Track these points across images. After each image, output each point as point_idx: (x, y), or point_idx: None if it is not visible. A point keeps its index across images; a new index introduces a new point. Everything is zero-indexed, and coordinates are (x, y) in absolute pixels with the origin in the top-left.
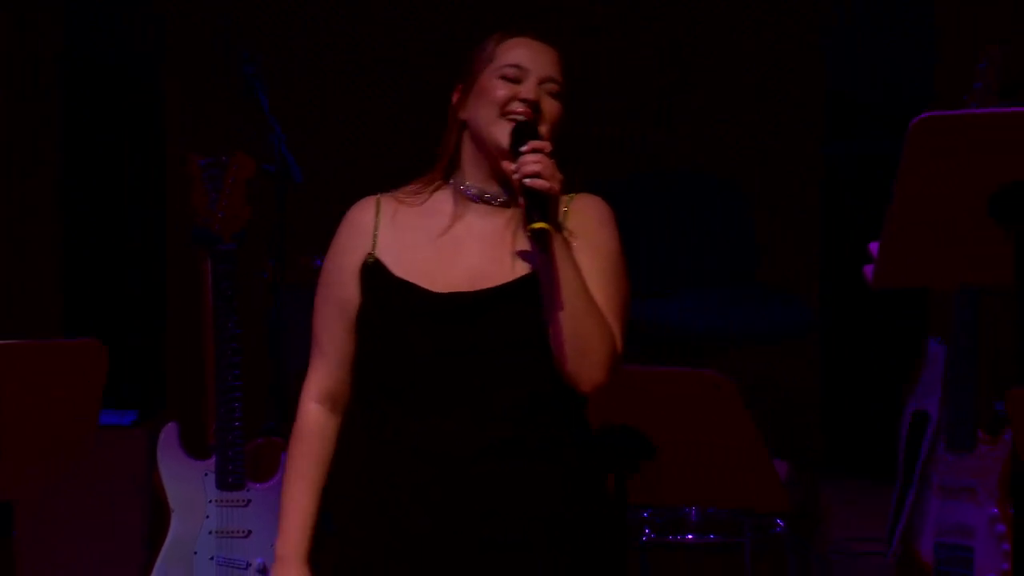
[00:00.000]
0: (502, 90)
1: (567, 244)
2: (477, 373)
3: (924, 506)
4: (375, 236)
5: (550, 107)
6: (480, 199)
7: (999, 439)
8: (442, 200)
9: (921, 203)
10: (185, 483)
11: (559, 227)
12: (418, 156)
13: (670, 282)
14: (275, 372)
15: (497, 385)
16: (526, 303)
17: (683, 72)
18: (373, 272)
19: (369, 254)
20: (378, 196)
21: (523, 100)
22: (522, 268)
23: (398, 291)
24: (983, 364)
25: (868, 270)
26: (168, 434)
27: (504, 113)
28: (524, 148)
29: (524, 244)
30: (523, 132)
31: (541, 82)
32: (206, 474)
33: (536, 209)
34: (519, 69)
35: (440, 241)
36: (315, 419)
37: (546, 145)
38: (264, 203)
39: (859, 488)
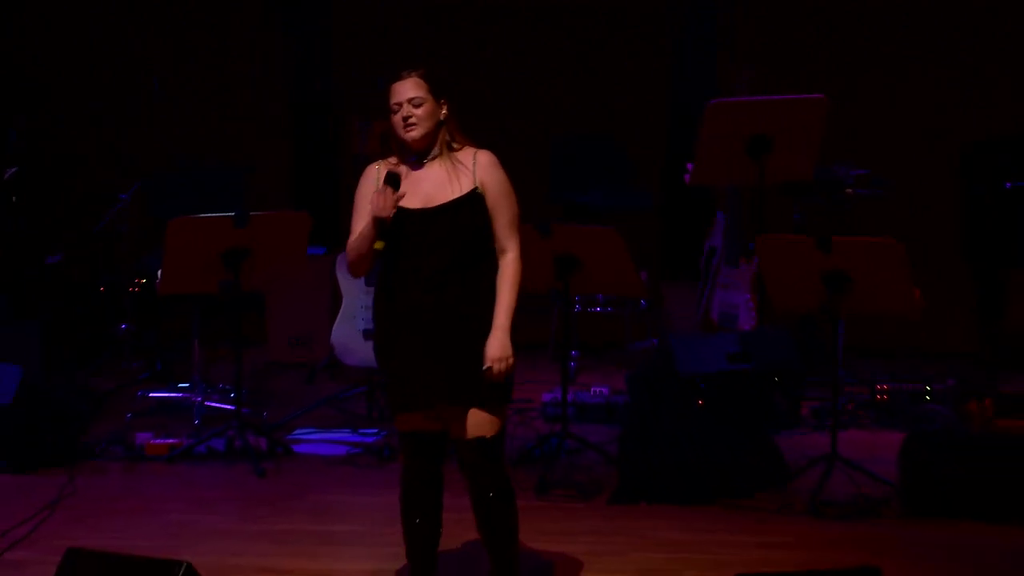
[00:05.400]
0: (395, 118)
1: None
2: (433, 248)
3: (713, 294)
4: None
5: (416, 112)
6: (415, 166)
7: (751, 261)
8: (403, 166)
9: (712, 145)
10: (350, 282)
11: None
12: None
13: (585, 185)
14: None
15: (441, 248)
16: (455, 213)
17: (601, 78)
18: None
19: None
20: (377, 163)
21: (404, 118)
22: (448, 196)
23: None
24: (743, 224)
25: (687, 177)
26: (341, 258)
27: (401, 129)
28: (377, 189)
29: (447, 182)
30: (388, 180)
31: (408, 102)
32: (361, 277)
33: (378, 232)
34: (396, 104)
35: (406, 183)
36: None
37: (387, 191)
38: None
39: (681, 286)
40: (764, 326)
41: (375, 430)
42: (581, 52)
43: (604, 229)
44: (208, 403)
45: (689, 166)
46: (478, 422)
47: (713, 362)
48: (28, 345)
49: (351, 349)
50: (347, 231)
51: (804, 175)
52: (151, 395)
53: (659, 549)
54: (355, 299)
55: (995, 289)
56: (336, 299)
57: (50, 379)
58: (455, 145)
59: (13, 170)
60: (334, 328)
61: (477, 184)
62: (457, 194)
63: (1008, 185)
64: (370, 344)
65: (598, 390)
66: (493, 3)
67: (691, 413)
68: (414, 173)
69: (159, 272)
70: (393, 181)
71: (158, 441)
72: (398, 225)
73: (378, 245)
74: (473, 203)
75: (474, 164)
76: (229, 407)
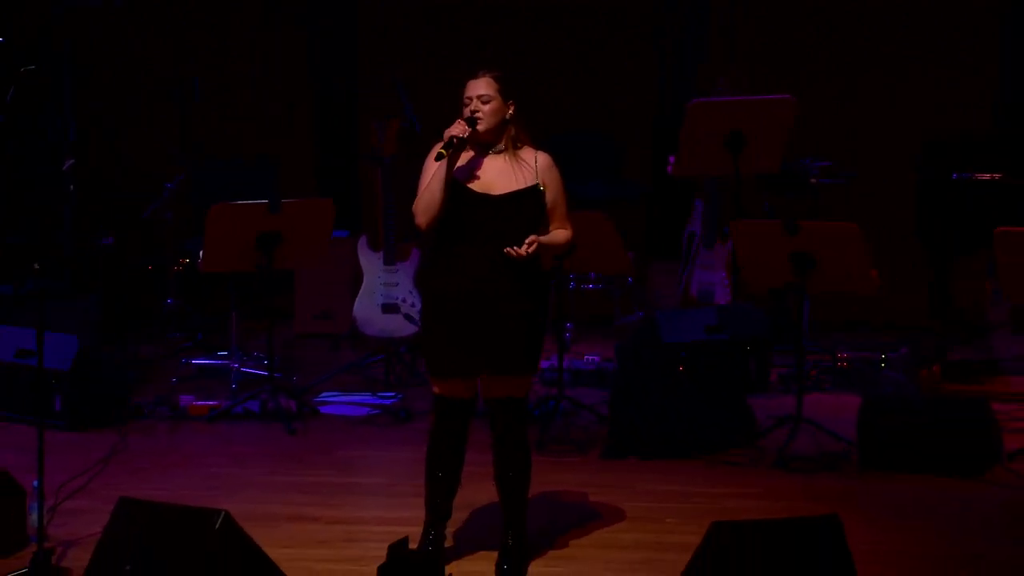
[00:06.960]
0: (464, 110)
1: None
2: (495, 233)
3: (693, 273)
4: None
5: (483, 108)
6: (483, 153)
7: (726, 243)
8: (471, 152)
9: (693, 140)
10: (370, 261)
11: (457, 148)
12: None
13: (584, 178)
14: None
15: (499, 234)
16: (518, 203)
17: (597, 81)
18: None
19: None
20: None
21: (471, 111)
22: (510, 187)
23: (456, 189)
24: (719, 210)
25: (669, 169)
26: (363, 240)
27: (467, 118)
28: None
29: (511, 174)
30: (468, 120)
31: (478, 98)
32: (379, 257)
33: (448, 143)
34: (468, 98)
35: (469, 169)
36: None
37: (459, 122)
38: (403, 141)
39: (665, 266)
40: (738, 301)
41: (392, 394)
42: (580, 52)
43: (595, 214)
44: (244, 369)
45: (671, 159)
46: (512, 385)
47: (693, 333)
48: (85, 317)
49: (370, 321)
50: (365, 219)
51: (773, 167)
52: (193, 362)
53: (645, 498)
54: (374, 277)
55: (944, 270)
56: (357, 277)
57: (104, 348)
58: (519, 143)
59: (71, 162)
60: (355, 303)
61: (539, 181)
62: (520, 186)
63: (955, 176)
64: (387, 317)
65: (590, 358)
66: (493, 3)
67: (673, 378)
68: (476, 161)
69: (201, 253)
70: (471, 122)
71: (200, 403)
72: (459, 204)
73: (443, 150)
74: (535, 197)
75: (536, 163)
76: (262, 373)
